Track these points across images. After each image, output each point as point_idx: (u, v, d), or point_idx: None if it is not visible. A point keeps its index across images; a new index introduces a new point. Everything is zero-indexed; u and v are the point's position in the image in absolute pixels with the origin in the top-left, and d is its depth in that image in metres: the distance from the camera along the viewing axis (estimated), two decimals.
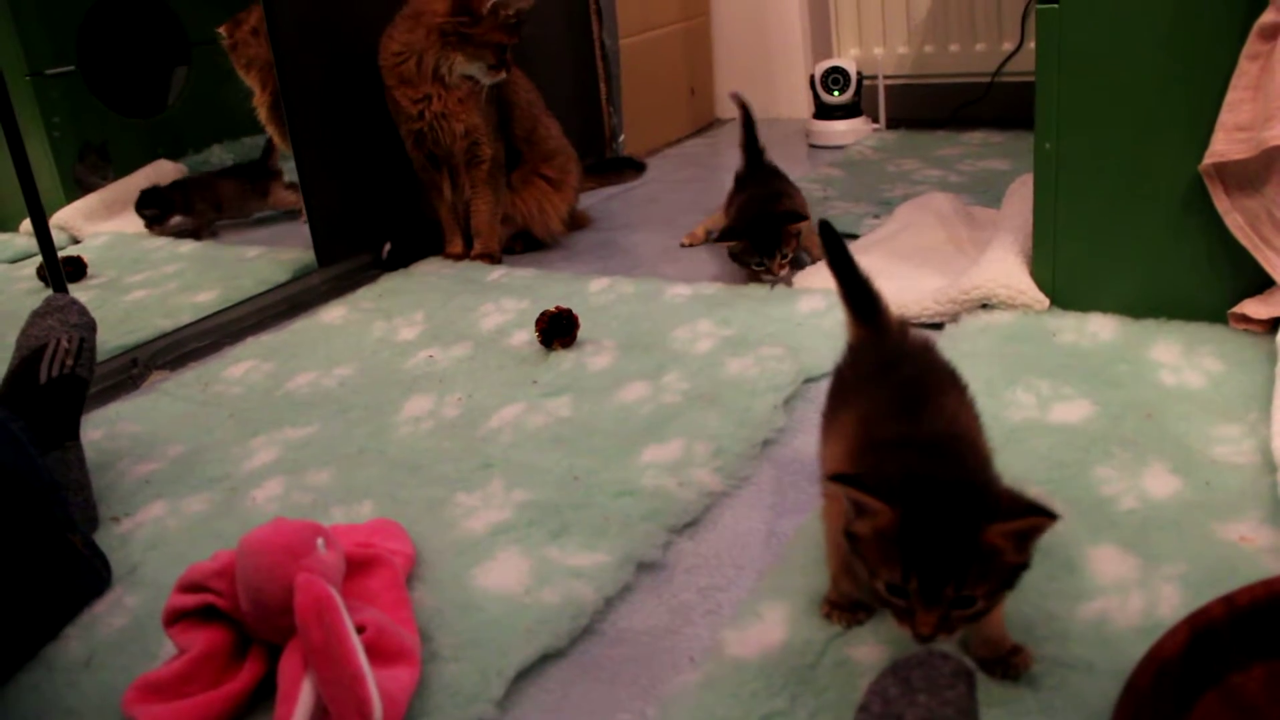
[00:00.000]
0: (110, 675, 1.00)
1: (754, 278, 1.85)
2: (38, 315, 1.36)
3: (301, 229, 2.15)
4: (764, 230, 1.80)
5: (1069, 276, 1.54)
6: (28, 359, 1.30)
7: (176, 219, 2.35)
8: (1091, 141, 1.47)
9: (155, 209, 2.33)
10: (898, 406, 0.89)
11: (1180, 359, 1.38)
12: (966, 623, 0.78)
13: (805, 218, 1.85)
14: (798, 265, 1.88)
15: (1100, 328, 1.48)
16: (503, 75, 2.05)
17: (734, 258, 1.87)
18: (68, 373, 1.30)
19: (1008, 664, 0.88)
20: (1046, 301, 1.56)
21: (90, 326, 1.38)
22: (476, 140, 2.10)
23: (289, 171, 2.31)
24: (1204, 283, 1.45)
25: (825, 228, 1.08)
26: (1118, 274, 1.51)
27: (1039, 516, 0.75)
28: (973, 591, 0.76)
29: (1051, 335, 1.48)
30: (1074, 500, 1.10)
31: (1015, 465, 1.16)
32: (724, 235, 1.86)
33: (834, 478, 0.79)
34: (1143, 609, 0.93)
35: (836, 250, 1.05)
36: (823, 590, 0.99)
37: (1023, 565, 0.77)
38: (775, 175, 2.02)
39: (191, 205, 2.39)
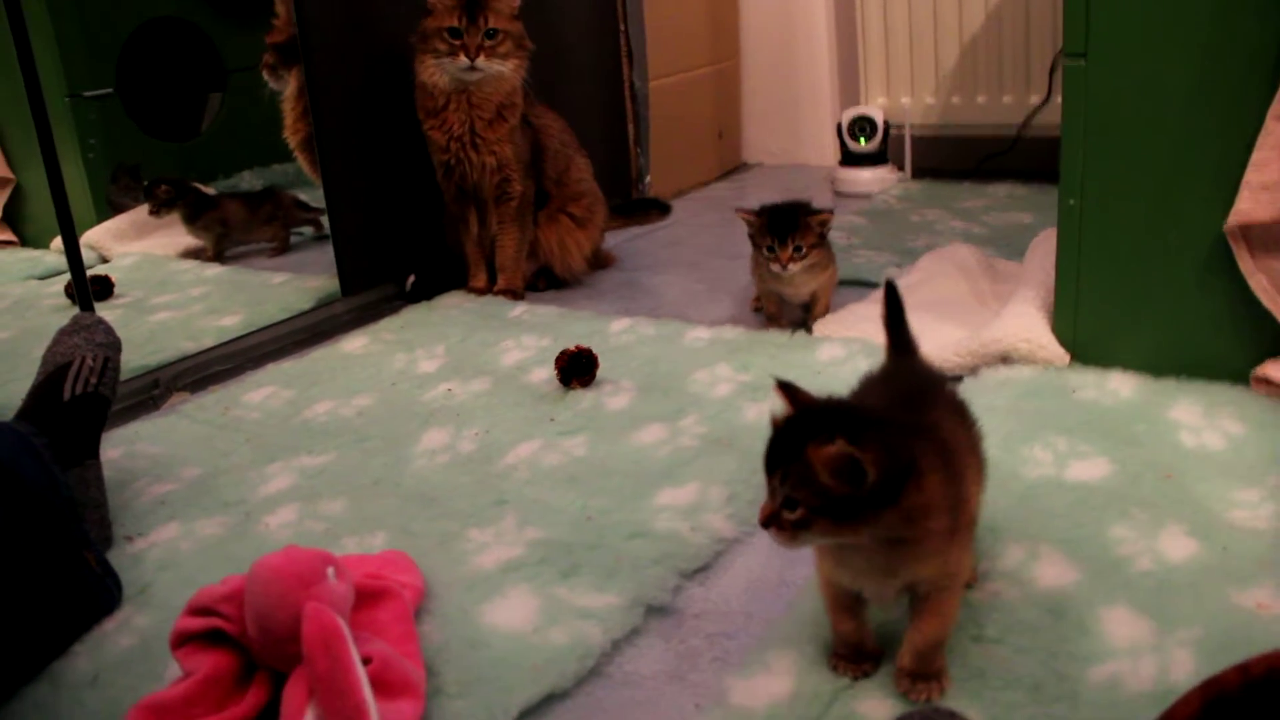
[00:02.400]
0: (116, 694, 1.00)
1: (774, 324, 1.85)
2: (64, 333, 1.38)
3: (327, 258, 2.16)
4: (782, 214, 1.75)
5: (1090, 333, 1.54)
6: (52, 375, 1.31)
7: (174, 214, 2.38)
8: (1116, 198, 1.47)
9: (169, 190, 2.37)
10: (891, 398, 0.98)
11: (1201, 420, 1.37)
12: (799, 530, 0.83)
13: (828, 214, 1.77)
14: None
15: (1120, 385, 1.48)
16: (464, 60, 1.97)
17: (752, 243, 1.80)
18: (91, 391, 1.31)
19: (922, 678, 0.91)
20: (1067, 357, 1.55)
21: (115, 346, 1.39)
22: (508, 176, 2.11)
23: (316, 200, 2.34)
24: (1226, 343, 1.44)
25: (889, 287, 1.13)
26: (1139, 332, 1.50)
27: (841, 449, 0.80)
28: (794, 495, 0.82)
29: (1071, 391, 1.48)
30: (1088, 560, 1.09)
31: (1030, 522, 1.16)
32: (743, 210, 1.78)
33: (778, 381, 0.90)
34: (1155, 674, 0.92)
35: (893, 304, 1.12)
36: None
37: (850, 497, 0.81)
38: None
39: (198, 215, 2.43)
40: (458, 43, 1.98)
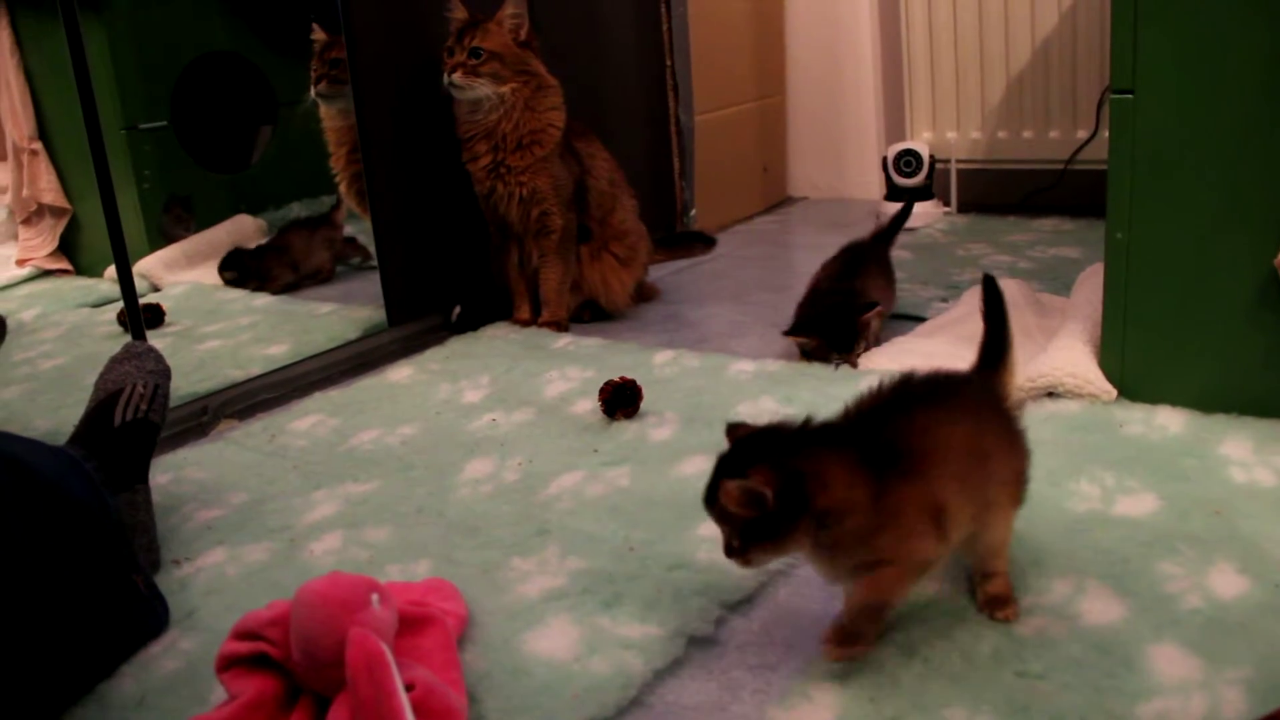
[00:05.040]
0: (161, 716, 1.01)
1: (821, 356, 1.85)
2: (116, 361, 1.40)
3: (373, 288, 2.19)
4: (838, 329, 1.80)
5: (1138, 368, 1.52)
6: (104, 402, 1.34)
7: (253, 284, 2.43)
8: (1163, 232, 1.46)
9: (234, 272, 2.41)
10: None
11: (1251, 456, 1.35)
12: (746, 555, 0.93)
13: (876, 304, 1.83)
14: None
15: (1169, 421, 1.46)
16: (455, 76, 1.99)
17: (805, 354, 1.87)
18: (141, 417, 1.33)
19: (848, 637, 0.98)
20: (1114, 392, 1.54)
21: (165, 374, 1.41)
22: (546, 210, 2.12)
23: (363, 233, 2.37)
24: (1277, 379, 1.42)
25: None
26: (1188, 367, 1.49)
27: (736, 485, 0.88)
28: (730, 529, 0.93)
29: (1118, 426, 1.46)
30: (1136, 596, 1.07)
31: (1076, 557, 1.15)
32: (794, 330, 1.85)
33: (729, 424, 1.01)
34: (1204, 712, 0.91)
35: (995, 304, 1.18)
36: (873, 673, 0.98)
37: (765, 518, 0.89)
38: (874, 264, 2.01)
39: (270, 271, 2.46)
40: (451, 60, 2.01)
